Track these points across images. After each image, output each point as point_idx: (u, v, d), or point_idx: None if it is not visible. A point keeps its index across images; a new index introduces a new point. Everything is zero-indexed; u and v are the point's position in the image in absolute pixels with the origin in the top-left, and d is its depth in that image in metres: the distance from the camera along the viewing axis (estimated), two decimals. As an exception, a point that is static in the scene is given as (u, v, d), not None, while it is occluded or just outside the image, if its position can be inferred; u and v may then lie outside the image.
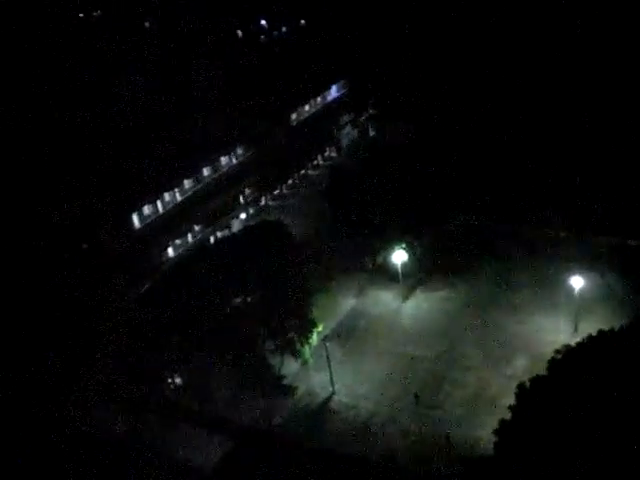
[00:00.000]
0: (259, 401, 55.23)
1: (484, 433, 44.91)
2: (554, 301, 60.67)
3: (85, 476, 50.01)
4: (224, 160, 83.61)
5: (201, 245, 73.71)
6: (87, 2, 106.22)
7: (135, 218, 70.01)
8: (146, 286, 64.58)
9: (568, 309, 57.63)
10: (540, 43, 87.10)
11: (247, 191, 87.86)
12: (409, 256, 64.98)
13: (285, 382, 56.86)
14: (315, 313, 57.99)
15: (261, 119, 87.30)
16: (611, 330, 37.92)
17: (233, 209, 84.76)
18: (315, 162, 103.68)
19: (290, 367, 57.66)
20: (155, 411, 53.78)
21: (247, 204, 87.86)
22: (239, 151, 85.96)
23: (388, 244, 65.96)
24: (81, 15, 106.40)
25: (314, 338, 58.25)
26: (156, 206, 72.90)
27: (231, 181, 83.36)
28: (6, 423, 51.65)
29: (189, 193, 77.39)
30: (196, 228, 78.84)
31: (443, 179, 70.58)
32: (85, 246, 64.82)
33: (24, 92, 78.21)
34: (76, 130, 74.06)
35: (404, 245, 65.09)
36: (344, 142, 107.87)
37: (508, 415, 36.78)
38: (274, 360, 56.76)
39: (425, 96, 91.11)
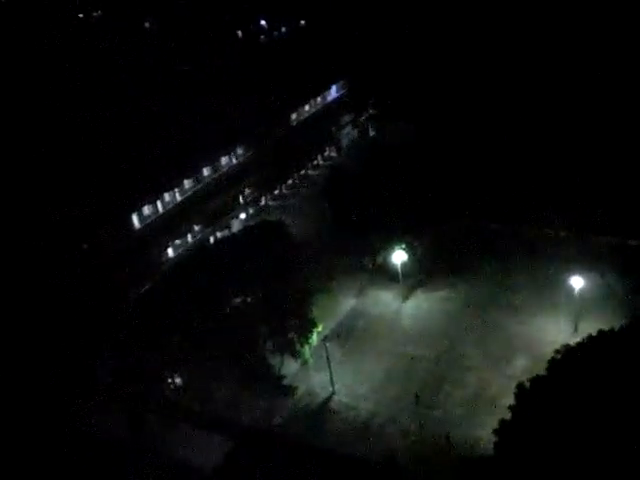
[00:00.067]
0: (259, 401, 55.24)
1: (484, 433, 44.93)
2: (554, 301, 60.65)
3: (85, 476, 50.01)
4: (224, 160, 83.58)
5: (201, 245, 73.71)
6: (87, 2, 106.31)
7: (135, 218, 69.99)
8: (146, 286, 64.59)
9: (568, 309, 57.62)
10: (541, 44, 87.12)
11: (247, 191, 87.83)
12: (409, 256, 64.93)
13: (285, 382, 56.85)
14: (315, 313, 57.92)
15: (261, 119, 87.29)
16: (611, 330, 37.94)
17: (233, 209, 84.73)
18: (315, 162, 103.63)
19: (290, 367, 57.65)
20: (155, 411, 53.72)
21: (247, 204, 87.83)
22: (239, 151, 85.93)
23: (388, 244, 65.91)
24: (81, 15, 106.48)
25: (314, 338, 58.21)
26: (156, 206, 72.87)
27: (231, 181, 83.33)
28: (6, 423, 51.65)
29: (189, 193, 77.36)
30: (196, 228, 78.82)
31: (443, 179, 70.57)
32: (85, 246, 64.81)
33: (25, 92, 78.28)
34: (76, 130, 74.11)
35: (404, 245, 65.04)
36: (344, 142, 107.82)
37: (508, 415, 36.80)
38: (274, 360, 56.78)
39: (425, 96, 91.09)
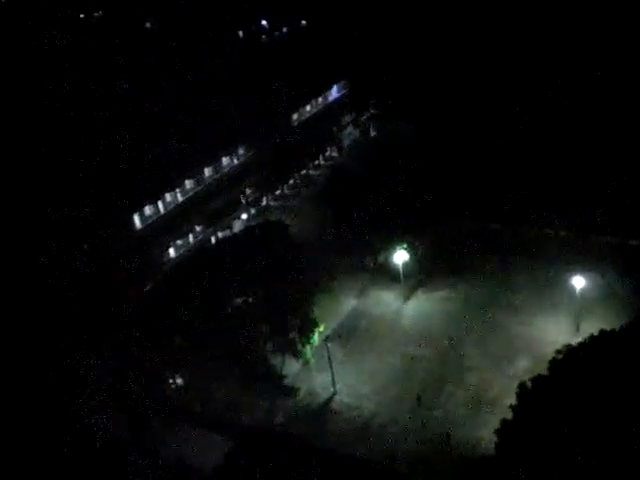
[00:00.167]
0: (260, 401, 55.26)
1: (486, 433, 44.94)
2: (555, 301, 60.64)
3: (85, 476, 50.03)
4: (225, 160, 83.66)
5: (202, 246, 73.81)
6: (88, 3, 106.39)
7: (136, 218, 70.06)
8: (148, 286, 64.67)
9: (569, 309, 57.60)
10: (541, 44, 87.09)
11: (248, 191, 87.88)
12: (410, 256, 64.94)
13: (286, 382, 56.85)
14: (316, 313, 57.97)
15: (262, 119, 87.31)
16: (612, 330, 37.94)
17: (234, 209, 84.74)
18: (316, 162, 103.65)
19: (291, 367, 57.68)
20: (156, 411, 53.79)
21: (248, 204, 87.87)
22: (240, 151, 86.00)
23: (389, 244, 65.92)
24: (82, 16, 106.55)
25: (315, 338, 58.19)
26: (157, 206, 72.94)
27: (232, 181, 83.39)
28: (7, 423, 51.68)
29: (190, 193, 77.43)
30: (197, 228, 78.87)
31: (444, 179, 70.57)
32: (86, 247, 64.88)
33: (26, 92, 78.34)
34: (77, 130, 74.15)
35: (405, 245, 65.04)
36: (345, 142, 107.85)
37: (509, 415, 36.81)
38: (275, 360, 56.83)
39: (425, 96, 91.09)
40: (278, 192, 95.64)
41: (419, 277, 67.77)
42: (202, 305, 53.51)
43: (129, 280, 64.97)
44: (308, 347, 57.95)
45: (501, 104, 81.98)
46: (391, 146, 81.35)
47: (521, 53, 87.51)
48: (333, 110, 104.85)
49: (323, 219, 75.80)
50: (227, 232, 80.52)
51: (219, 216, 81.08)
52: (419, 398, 52.14)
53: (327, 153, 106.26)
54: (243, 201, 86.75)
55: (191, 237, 77.76)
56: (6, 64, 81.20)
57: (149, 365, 53.03)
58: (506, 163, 73.88)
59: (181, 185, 76.29)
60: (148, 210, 71.73)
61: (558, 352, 38.34)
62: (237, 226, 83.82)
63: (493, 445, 37.04)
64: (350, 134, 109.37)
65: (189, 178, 77.46)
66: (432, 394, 53.06)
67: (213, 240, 78.78)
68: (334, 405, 54.27)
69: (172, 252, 74.96)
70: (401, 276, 64.81)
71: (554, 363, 37.49)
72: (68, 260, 61.75)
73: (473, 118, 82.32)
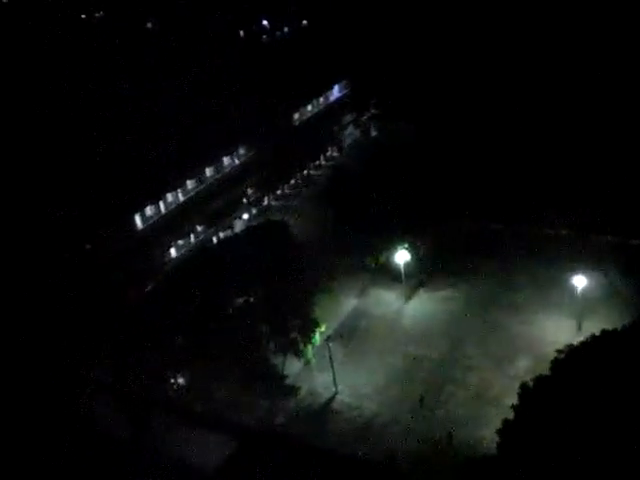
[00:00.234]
0: (262, 401, 55.23)
1: (487, 433, 44.85)
2: (557, 301, 60.49)
3: (86, 476, 50.03)
4: (226, 160, 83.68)
5: (203, 245, 73.83)
6: (90, 3, 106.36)
7: (138, 219, 70.08)
8: (149, 287, 64.68)
9: (571, 309, 57.47)
10: (541, 44, 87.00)
11: (249, 191, 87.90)
12: (411, 256, 64.88)
13: (288, 382, 56.84)
14: (317, 313, 57.98)
15: (263, 119, 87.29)
16: (615, 330, 37.83)
17: (235, 209, 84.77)
18: (317, 162, 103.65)
19: (292, 367, 57.66)
20: (158, 411, 53.78)
21: (249, 204, 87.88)
22: (241, 151, 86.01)
23: (390, 244, 65.87)
24: (83, 16, 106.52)
25: (317, 338, 58.24)
26: (158, 207, 72.98)
27: (233, 181, 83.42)
28: (7, 423, 51.71)
29: (192, 193, 77.49)
30: (199, 228, 78.91)
31: (444, 179, 70.50)
32: (88, 247, 64.91)
33: (27, 92, 78.33)
34: (78, 130, 74.14)
35: (406, 245, 64.98)
36: (346, 142, 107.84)
37: (511, 415, 36.72)
38: (276, 360, 56.81)
39: (425, 96, 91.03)
40: (279, 192, 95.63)
41: (420, 277, 67.70)
42: (203, 305, 53.50)
43: (130, 280, 64.99)
44: (309, 347, 57.94)
45: (501, 104, 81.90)
46: (392, 146, 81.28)
47: (521, 53, 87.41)
48: (334, 110, 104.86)
49: (324, 219, 75.78)
50: (228, 232, 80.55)
51: (220, 216, 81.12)
52: (422, 399, 51.93)
53: (328, 153, 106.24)
54: (244, 201, 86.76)
55: (192, 237, 77.81)
56: (7, 64, 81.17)
57: (149, 365, 52.99)
58: (506, 163, 73.80)
59: (182, 185, 76.31)
60: (149, 210, 71.77)
61: (560, 352, 38.23)
62: (238, 226, 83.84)
63: (495, 445, 36.95)
64: (351, 134, 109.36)
65: (190, 178, 77.51)
66: (433, 394, 53.00)
67: (214, 240, 78.79)
68: (335, 405, 54.24)
69: (173, 252, 75.01)
70: (402, 276, 64.75)
71: (556, 363, 37.38)
72: (69, 260, 61.78)
73: (473, 118, 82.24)
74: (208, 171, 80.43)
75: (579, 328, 55.66)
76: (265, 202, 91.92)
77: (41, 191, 64.90)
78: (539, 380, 36.67)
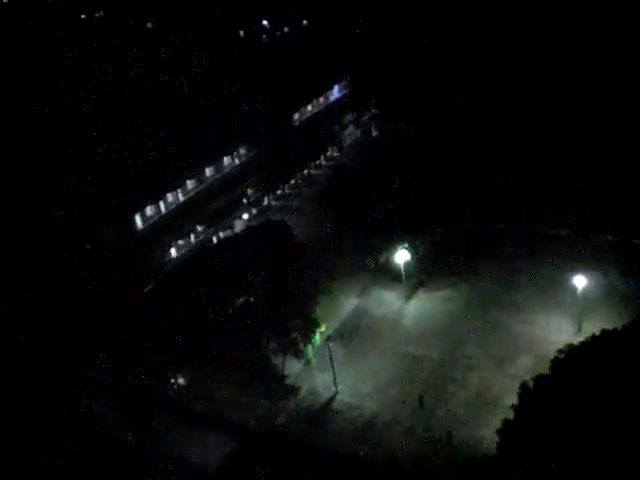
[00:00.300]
0: (262, 401, 55.22)
1: (487, 433, 44.83)
2: (557, 300, 60.45)
3: (86, 475, 50.04)
4: (227, 160, 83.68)
5: (204, 245, 73.80)
6: (90, 3, 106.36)
7: (138, 219, 70.08)
8: (149, 287, 64.66)
9: (571, 308, 57.42)
10: (542, 44, 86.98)
11: (250, 191, 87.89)
12: (411, 256, 64.85)
13: (288, 382, 56.84)
14: (318, 313, 57.93)
15: (263, 119, 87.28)
16: (615, 329, 37.80)
17: (235, 209, 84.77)
18: (318, 162, 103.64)
19: (293, 367, 57.66)
20: (158, 411, 53.76)
21: (250, 204, 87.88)
22: (241, 151, 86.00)
23: (391, 244, 65.85)
24: (83, 16, 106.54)
25: (317, 338, 58.25)
26: (159, 206, 72.97)
27: (233, 181, 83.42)
28: (7, 423, 51.74)
29: (192, 193, 77.49)
30: (199, 228, 78.90)
31: (445, 179, 70.47)
32: (88, 246, 64.92)
33: (28, 92, 78.37)
34: (78, 130, 74.19)
35: (407, 245, 64.96)
36: (347, 142, 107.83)
37: (511, 415, 36.70)
38: (277, 360, 56.78)
39: (425, 96, 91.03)
40: (279, 192, 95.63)
41: (420, 277, 67.67)
42: (203, 305, 53.47)
43: (130, 280, 65.02)
44: (309, 347, 57.94)
45: (501, 104, 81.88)
46: (392, 146, 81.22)
47: (522, 53, 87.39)
48: (334, 110, 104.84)
49: (324, 219, 75.76)
50: (228, 232, 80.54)
51: (220, 216, 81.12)
52: (421, 400, 51.90)
53: (328, 153, 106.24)
54: (244, 201, 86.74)
55: (192, 237, 77.80)
56: (7, 64, 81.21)
57: (149, 365, 52.99)
58: (507, 163, 73.80)
59: (182, 185, 76.30)
60: (149, 210, 71.76)
61: (560, 351, 38.18)
62: (238, 226, 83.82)
63: (495, 445, 36.94)
64: (351, 134, 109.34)
65: (190, 178, 77.50)
66: (434, 394, 52.97)
67: (214, 240, 78.79)
68: (335, 405, 54.22)
69: (173, 252, 75.01)
70: (402, 276, 64.74)
71: (556, 362, 37.33)
72: (69, 260, 61.79)
73: (473, 118, 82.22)
74: (208, 171, 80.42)
75: (579, 328, 55.62)
76: (265, 202, 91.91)
77: (41, 191, 64.93)
78: (539, 380, 36.64)
